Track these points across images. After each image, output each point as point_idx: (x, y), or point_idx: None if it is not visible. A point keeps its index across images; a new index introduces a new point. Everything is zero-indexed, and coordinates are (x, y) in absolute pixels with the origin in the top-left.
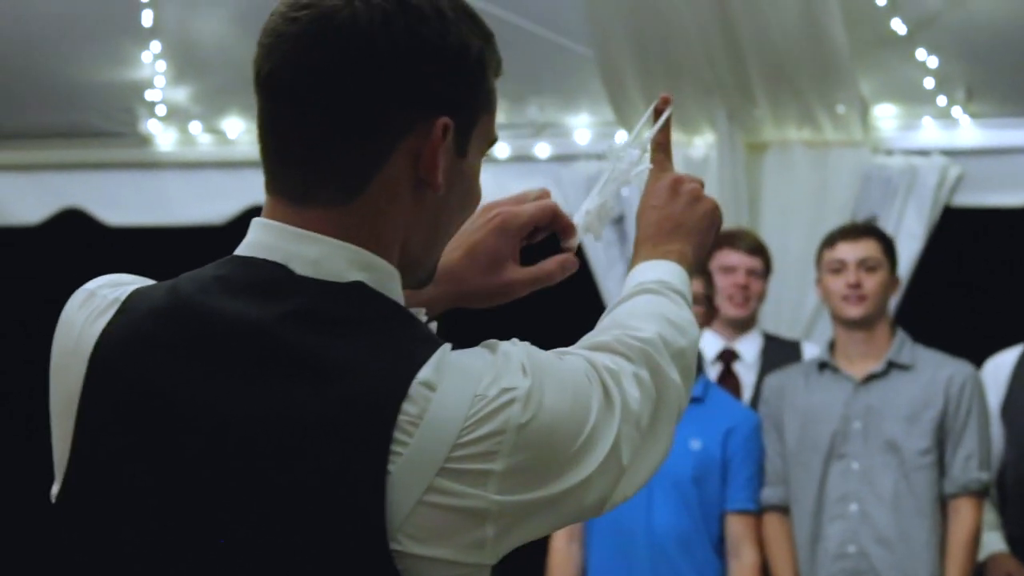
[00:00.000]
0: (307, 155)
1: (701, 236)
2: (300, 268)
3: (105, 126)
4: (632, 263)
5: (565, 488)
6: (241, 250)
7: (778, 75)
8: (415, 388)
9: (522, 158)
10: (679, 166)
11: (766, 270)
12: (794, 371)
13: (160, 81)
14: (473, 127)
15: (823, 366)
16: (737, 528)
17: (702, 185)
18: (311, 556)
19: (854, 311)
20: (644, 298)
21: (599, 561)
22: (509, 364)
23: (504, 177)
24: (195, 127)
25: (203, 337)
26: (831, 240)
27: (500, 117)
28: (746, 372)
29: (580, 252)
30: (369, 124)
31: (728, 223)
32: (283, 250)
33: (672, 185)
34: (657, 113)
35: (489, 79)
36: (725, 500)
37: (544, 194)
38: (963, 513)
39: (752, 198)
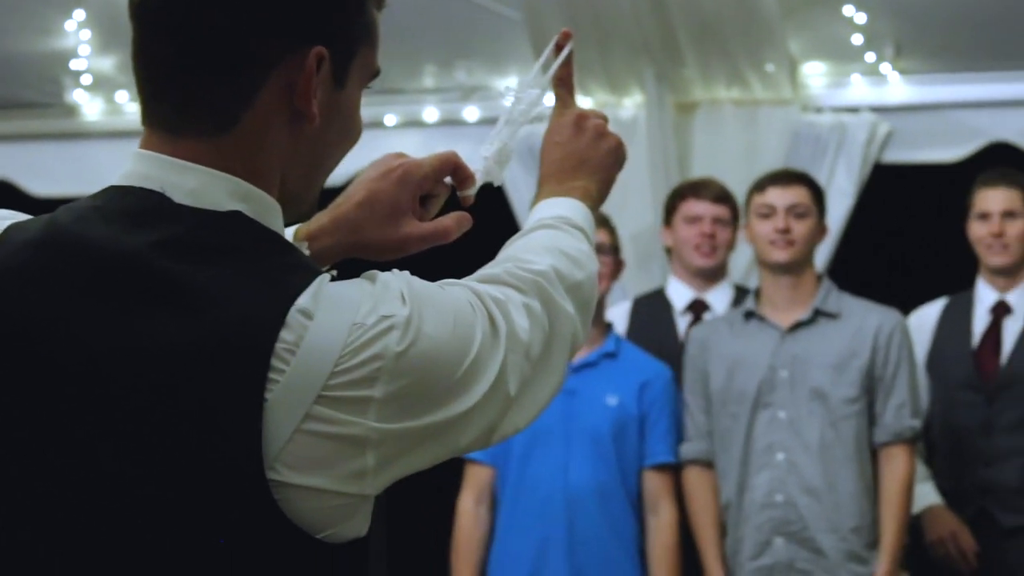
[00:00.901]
0: (179, 85)
1: (605, 172)
2: (178, 197)
3: (30, 97)
4: (535, 200)
5: (449, 417)
6: (119, 180)
7: (706, 34)
8: (292, 315)
9: (451, 122)
10: (610, 127)
11: (734, 218)
12: (720, 321)
13: (85, 50)
14: (352, 59)
15: (749, 315)
16: (654, 483)
17: (606, 121)
18: (188, 486)
19: (781, 255)
20: (541, 232)
21: (511, 520)
22: (388, 293)
23: (433, 141)
24: (122, 96)
25: (76, 267)
26: (761, 185)
27: (428, 81)
28: None
29: (510, 211)
30: (240, 54)
31: (659, 184)
32: (161, 179)
33: (576, 121)
34: (558, 48)
35: (368, 10)
36: (643, 455)
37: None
38: (897, 460)
39: (682, 158)
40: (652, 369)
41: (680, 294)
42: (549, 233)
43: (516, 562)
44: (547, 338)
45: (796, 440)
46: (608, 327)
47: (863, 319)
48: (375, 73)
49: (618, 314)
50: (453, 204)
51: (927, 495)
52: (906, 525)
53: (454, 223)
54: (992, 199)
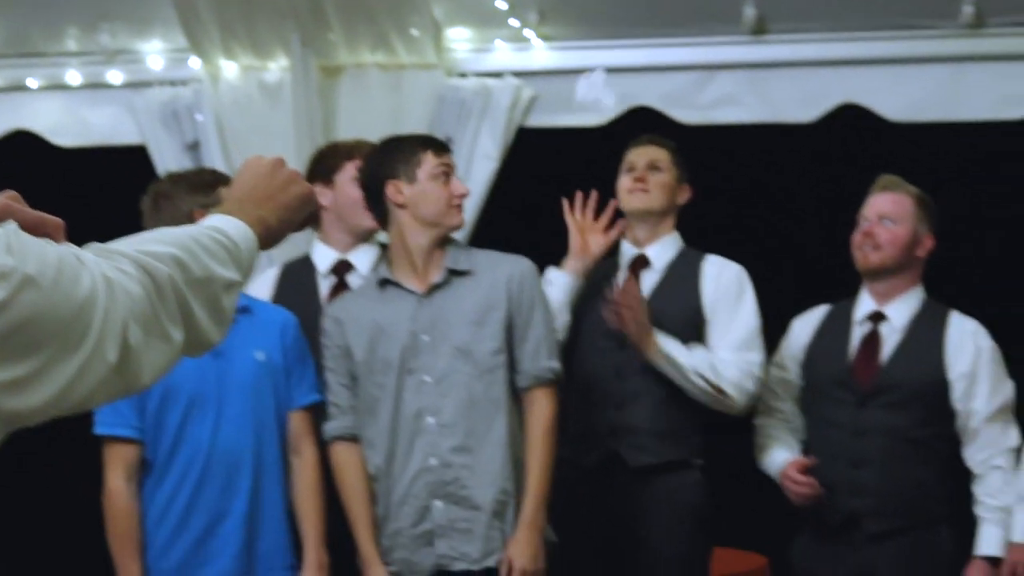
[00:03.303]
0: None
1: (288, 213)
2: None
3: None
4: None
5: (53, 369)
6: None
7: None
8: None
9: (95, 85)
10: (254, 92)
11: None
12: (354, 295)
13: None
14: None
15: (384, 283)
16: (296, 425)
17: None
18: None
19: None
20: (184, 229)
21: (167, 486)
22: None
23: (77, 104)
24: None
25: None
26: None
27: (71, 44)
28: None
29: None
30: None
31: (304, 148)
32: None
33: (275, 163)
34: None
35: None
36: (288, 402)
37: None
38: (539, 403)
39: (327, 122)
40: (282, 317)
41: (324, 256)
42: (193, 231)
43: (183, 533)
44: (156, 309)
45: (444, 401)
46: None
47: (494, 271)
48: None
49: (265, 280)
50: None
51: None
52: (550, 467)
53: None
54: (639, 154)
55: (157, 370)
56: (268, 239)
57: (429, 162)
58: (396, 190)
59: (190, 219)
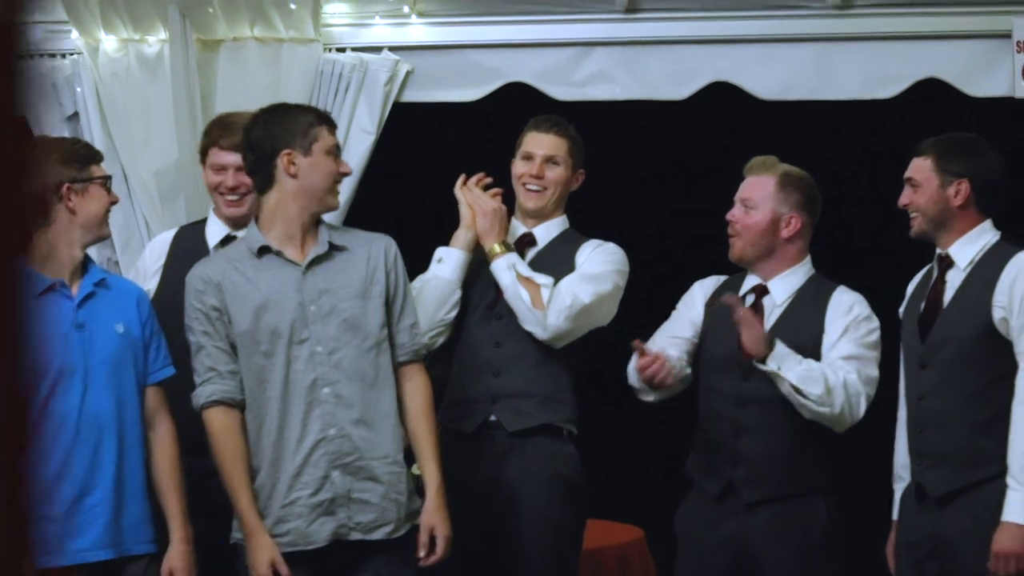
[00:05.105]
0: None
1: None
2: None
3: None
4: None
5: None
6: None
7: None
8: None
9: None
10: (133, 65)
11: None
12: (222, 260)
13: None
14: None
15: (263, 251)
16: (151, 400)
17: None
18: None
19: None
20: None
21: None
22: None
23: None
24: None
25: None
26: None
27: None
28: None
29: None
30: None
31: (183, 121)
32: None
33: None
34: None
35: None
36: (145, 376)
37: None
38: (419, 376)
39: (206, 95)
40: (136, 291)
41: (216, 228)
42: None
43: (51, 506)
44: None
45: (339, 372)
46: (87, 260)
47: (369, 247)
48: None
49: (163, 240)
50: None
51: None
52: (438, 434)
53: None
54: (538, 143)
55: None
56: None
57: (325, 138)
58: (290, 160)
59: (58, 192)
